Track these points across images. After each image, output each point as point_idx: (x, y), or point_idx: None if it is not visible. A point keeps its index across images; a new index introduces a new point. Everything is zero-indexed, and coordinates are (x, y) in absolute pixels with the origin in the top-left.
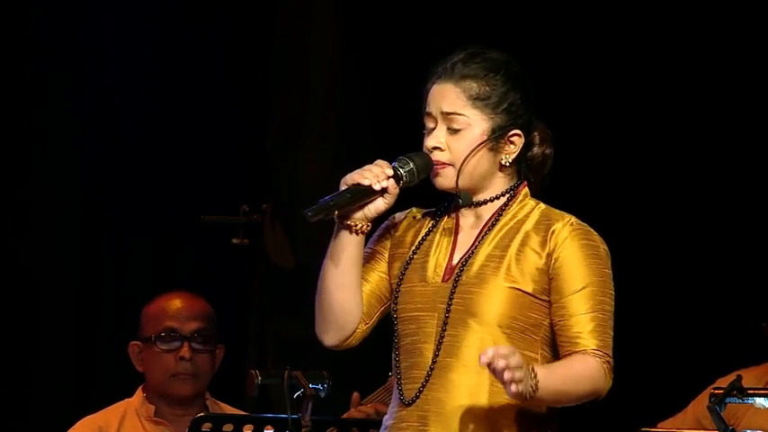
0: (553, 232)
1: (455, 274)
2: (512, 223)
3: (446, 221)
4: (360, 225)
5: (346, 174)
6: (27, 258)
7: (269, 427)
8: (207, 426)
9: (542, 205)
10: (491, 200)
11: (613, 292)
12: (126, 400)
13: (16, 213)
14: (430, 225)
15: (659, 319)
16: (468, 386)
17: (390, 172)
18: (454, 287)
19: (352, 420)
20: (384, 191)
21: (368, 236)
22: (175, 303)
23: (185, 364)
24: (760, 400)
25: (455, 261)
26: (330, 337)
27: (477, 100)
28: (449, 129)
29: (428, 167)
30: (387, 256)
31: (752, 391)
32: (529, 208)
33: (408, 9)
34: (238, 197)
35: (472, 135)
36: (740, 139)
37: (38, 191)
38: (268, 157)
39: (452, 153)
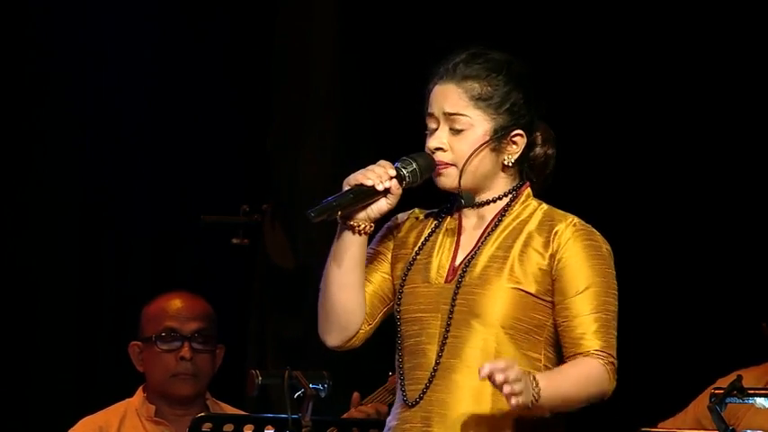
0: (556, 233)
1: (458, 274)
2: (514, 224)
3: (449, 222)
4: (363, 226)
5: (346, 173)
6: (27, 258)
7: (269, 427)
8: (207, 426)
9: (545, 206)
10: (494, 200)
11: (617, 292)
12: (126, 400)
13: (16, 213)
14: (433, 226)
15: (659, 319)
16: (471, 387)
17: (393, 172)
18: (457, 288)
19: (352, 420)
20: (387, 191)
21: (371, 237)
22: (175, 303)
23: (186, 364)
24: (760, 400)
25: (458, 262)
26: (333, 338)
27: (479, 100)
28: (451, 129)
29: (431, 168)
30: (389, 256)
31: (752, 391)
32: (532, 208)
33: (408, 9)
34: (238, 197)
35: (474, 135)
36: (740, 140)
37: (38, 191)
38: (268, 157)
39: (455, 153)
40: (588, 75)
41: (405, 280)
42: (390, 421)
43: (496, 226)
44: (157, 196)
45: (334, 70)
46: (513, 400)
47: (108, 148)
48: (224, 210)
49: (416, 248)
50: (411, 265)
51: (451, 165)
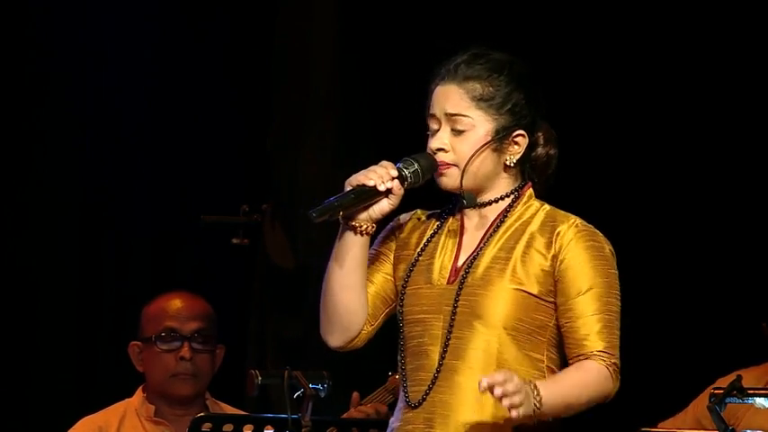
0: (558, 234)
1: (460, 276)
2: (517, 225)
3: (451, 223)
4: (364, 226)
5: (346, 174)
6: (27, 258)
7: (269, 427)
8: (207, 426)
9: (547, 206)
10: (495, 201)
11: (619, 293)
12: (126, 400)
13: (16, 213)
14: (435, 227)
15: (659, 319)
16: (474, 388)
17: (395, 173)
18: (459, 289)
19: (352, 420)
20: (389, 192)
21: (373, 237)
22: (175, 303)
23: (185, 364)
24: (760, 400)
25: (460, 263)
26: (335, 339)
27: (480, 101)
28: (453, 130)
29: (433, 168)
30: (392, 257)
31: (752, 391)
32: (534, 209)
33: (408, 9)
34: (238, 197)
35: (476, 136)
36: (740, 141)
37: (38, 191)
38: (268, 157)
39: (456, 154)
40: (590, 74)
41: (407, 281)
42: (393, 422)
43: (498, 227)
44: (157, 196)
45: (334, 70)
46: (514, 412)
47: (108, 148)
48: (224, 210)
49: (419, 249)
50: (413, 266)
51: (453, 165)
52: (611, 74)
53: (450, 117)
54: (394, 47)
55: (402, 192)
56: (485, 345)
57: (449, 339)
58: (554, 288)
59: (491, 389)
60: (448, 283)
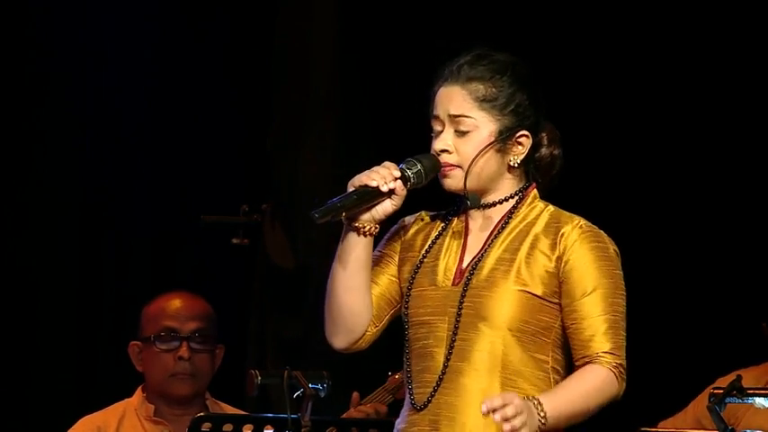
0: (562, 235)
1: (465, 277)
2: (521, 226)
3: (455, 224)
4: (368, 227)
5: (346, 173)
6: (27, 258)
7: (269, 427)
8: (207, 425)
9: (551, 207)
10: (500, 202)
11: (625, 293)
12: (126, 400)
13: (16, 213)
14: (440, 228)
15: (659, 319)
16: (479, 390)
17: (398, 173)
18: (464, 291)
19: (351, 420)
20: (391, 192)
21: (377, 239)
22: (175, 303)
23: (184, 364)
24: (760, 400)
25: (465, 264)
26: (339, 340)
27: (483, 102)
28: (456, 131)
29: (436, 168)
30: (397, 259)
31: (752, 391)
32: (538, 210)
33: (408, 9)
34: (238, 197)
35: (480, 137)
36: (740, 141)
37: (38, 191)
38: (268, 157)
39: (460, 155)
40: (592, 75)
41: (412, 283)
42: (398, 424)
43: (503, 228)
44: (157, 196)
45: (334, 70)
46: None
47: (108, 148)
48: (224, 210)
49: (423, 251)
50: (418, 267)
51: (457, 166)
52: (615, 74)
53: (454, 118)
54: (394, 47)
55: (405, 192)
56: (490, 346)
57: (454, 341)
58: (558, 289)
59: (494, 411)
60: (453, 285)
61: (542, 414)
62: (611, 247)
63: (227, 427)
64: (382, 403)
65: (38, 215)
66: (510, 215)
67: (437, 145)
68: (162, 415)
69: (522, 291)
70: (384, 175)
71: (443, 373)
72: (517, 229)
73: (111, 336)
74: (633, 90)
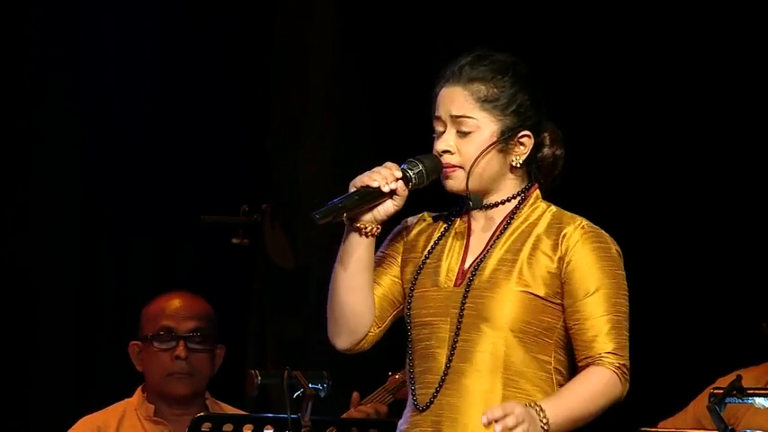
0: (564, 236)
1: (467, 278)
2: (523, 227)
3: (458, 225)
4: (369, 227)
5: (346, 174)
6: (27, 258)
7: (269, 426)
8: (207, 425)
9: (554, 208)
10: (502, 202)
11: (627, 293)
12: (126, 400)
13: (16, 213)
14: (442, 229)
15: (660, 319)
16: (481, 391)
17: (399, 174)
18: (466, 292)
19: (351, 420)
20: (393, 193)
21: (380, 240)
22: (174, 303)
23: (181, 363)
24: (760, 400)
25: (467, 265)
26: (342, 341)
27: (485, 102)
28: (458, 132)
29: (437, 169)
30: (399, 260)
31: (752, 391)
32: (540, 211)
33: (408, 9)
34: (238, 197)
35: (481, 137)
36: (740, 142)
37: (38, 191)
38: (268, 157)
39: (462, 156)
40: (593, 74)
41: (414, 284)
42: (401, 425)
43: (505, 229)
44: (157, 196)
45: (334, 70)
46: None
47: (108, 148)
48: (224, 210)
49: (426, 252)
50: (421, 268)
51: (459, 167)
52: (617, 74)
53: (456, 119)
54: (394, 47)
55: (406, 193)
56: (492, 347)
57: (456, 342)
58: (561, 290)
59: (496, 421)
60: (455, 286)
61: (545, 420)
62: (614, 248)
63: (227, 427)
64: (382, 403)
65: (38, 215)
66: (512, 216)
67: (439, 146)
68: (162, 415)
69: (523, 291)
70: (385, 176)
71: (445, 374)
72: (519, 230)
73: (111, 336)
74: (634, 90)
